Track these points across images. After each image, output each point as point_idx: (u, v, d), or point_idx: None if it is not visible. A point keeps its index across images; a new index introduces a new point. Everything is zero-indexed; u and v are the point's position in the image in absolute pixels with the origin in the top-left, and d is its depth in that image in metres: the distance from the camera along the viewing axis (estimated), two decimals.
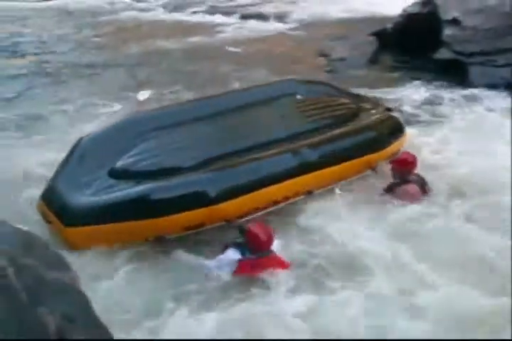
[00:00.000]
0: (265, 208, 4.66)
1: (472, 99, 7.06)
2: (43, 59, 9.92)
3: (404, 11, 9.21)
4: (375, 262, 3.93)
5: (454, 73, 7.70)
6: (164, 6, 14.35)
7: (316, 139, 5.03)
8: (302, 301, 3.60)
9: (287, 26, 11.77)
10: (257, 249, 3.94)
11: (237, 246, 4.01)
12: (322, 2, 12.67)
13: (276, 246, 4.05)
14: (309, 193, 4.86)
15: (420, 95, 7.39)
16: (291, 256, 4.07)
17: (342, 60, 9.32)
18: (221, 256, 4.00)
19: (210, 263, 4.00)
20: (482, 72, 7.58)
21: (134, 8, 14.21)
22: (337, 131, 5.18)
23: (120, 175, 4.52)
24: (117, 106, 7.22)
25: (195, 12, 13.59)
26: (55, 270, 2.21)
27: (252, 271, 3.89)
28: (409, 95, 7.40)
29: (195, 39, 10.94)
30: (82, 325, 1.93)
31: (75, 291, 2.18)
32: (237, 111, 5.20)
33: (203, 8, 14.00)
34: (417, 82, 7.83)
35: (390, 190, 4.77)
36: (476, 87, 7.34)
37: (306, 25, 11.70)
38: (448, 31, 8.27)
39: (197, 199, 4.36)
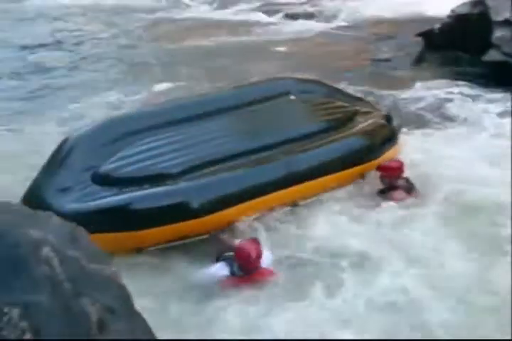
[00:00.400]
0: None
1: None
2: (83, 53, 10.21)
3: (452, 11, 9.01)
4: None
5: (503, 77, 7.49)
6: (209, 4, 14.43)
7: (304, 148, 4.79)
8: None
9: (332, 26, 11.68)
10: (245, 267, 3.96)
11: (227, 260, 4.02)
12: (369, 2, 12.51)
13: (266, 259, 4.06)
14: (295, 205, 4.70)
15: (461, 99, 7.17)
16: (280, 263, 4.11)
17: (387, 60, 9.21)
18: (210, 270, 4.03)
19: (198, 273, 4.05)
20: None
21: (177, 6, 14.34)
22: (327, 139, 4.92)
23: (103, 180, 4.33)
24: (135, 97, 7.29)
25: (239, 10, 13.61)
26: (97, 262, 2.26)
27: (238, 285, 3.93)
28: (449, 98, 7.21)
29: (236, 37, 10.98)
30: (122, 317, 1.97)
31: (116, 284, 2.21)
32: (226, 113, 4.96)
33: (248, 6, 13.99)
34: (461, 85, 7.64)
35: (379, 195, 4.92)
36: None
37: (351, 24, 11.60)
38: (498, 33, 8.04)
39: (180, 212, 4.20)
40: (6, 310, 1.66)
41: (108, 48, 10.67)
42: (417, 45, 9.38)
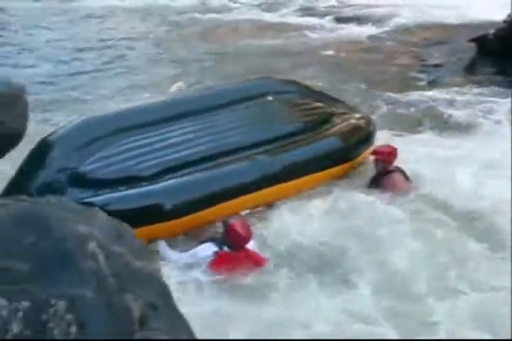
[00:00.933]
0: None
1: None
2: (121, 53, 10.43)
3: (509, 16, 8.76)
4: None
5: None
6: (258, 6, 14.49)
7: (279, 149, 4.81)
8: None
9: (384, 30, 11.53)
10: (234, 243, 3.96)
11: (214, 241, 4.04)
12: (422, 6, 12.31)
13: (251, 246, 4.09)
14: (270, 205, 4.70)
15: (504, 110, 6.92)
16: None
17: (438, 65, 9.03)
18: (197, 249, 4.02)
19: (185, 255, 4.03)
20: None
21: (225, 8, 14.48)
22: (303, 141, 4.95)
23: (78, 183, 4.30)
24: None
25: (288, 13, 13.61)
26: (140, 259, 2.29)
27: (228, 263, 3.90)
28: (493, 108, 6.99)
29: (283, 40, 11.00)
30: (163, 314, 1.99)
31: (158, 281, 2.24)
32: (204, 114, 4.93)
33: (298, 9, 13.97)
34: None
35: (375, 181, 4.96)
36: None
37: (403, 29, 11.43)
38: None
39: (153, 214, 4.21)
40: (52, 302, 1.70)
41: (159, 49, 10.87)
42: (469, 50, 9.16)
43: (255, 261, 3.99)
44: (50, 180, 4.33)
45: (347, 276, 3.90)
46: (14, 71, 9.08)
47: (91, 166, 4.40)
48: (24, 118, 4.65)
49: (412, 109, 7.09)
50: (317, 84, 7.94)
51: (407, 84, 8.04)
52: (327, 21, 12.54)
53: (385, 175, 4.93)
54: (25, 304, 1.68)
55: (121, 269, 2.00)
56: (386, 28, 11.59)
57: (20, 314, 1.65)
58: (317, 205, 4.66)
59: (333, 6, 13.60)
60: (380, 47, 10.37)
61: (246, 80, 5.79)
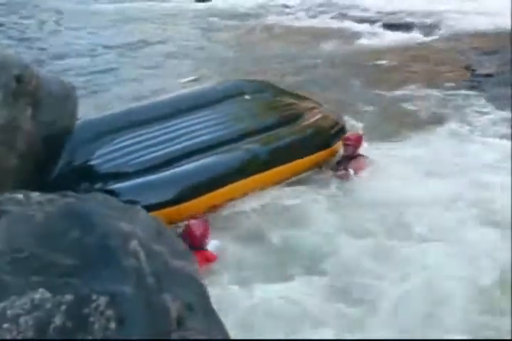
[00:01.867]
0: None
1: None
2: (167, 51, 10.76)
3: None
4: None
5: None
6: (306, 11, 14.48)
7: (263, 140, 5.26)
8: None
9: (432, 38, 11.34)
10: (190, 243, 4.02)
11: None
12: (472, 13, 12.04)
13: (212, 245, 4.28)
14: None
15: None
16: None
17: (488, 76, 8.79)
18: None
19: None
20: None
21: (274, 12, 14.55)
22: (280, 134, 5.38)
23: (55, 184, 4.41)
24: None
25: (336, 18, 13.55)
26: (180, 259, 2.31)
27: None
28: None
29: (329, 45, 10.99)
30: (200, 314, 2.00)
31: (196, 282, 2.26)
32: (188, 113, 5.35)
33: (346, 14, 13.88)
34: None
35: (341, 163, 5.60)
36: None
37: (452, 37, 11.19)
38: None
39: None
40: (94, 297, 1.74)
41: (204, 51, 11.02)
42: None
43: (205, 260, 4.18)
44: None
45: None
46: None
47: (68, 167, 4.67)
48: (73, 117, 4.83)
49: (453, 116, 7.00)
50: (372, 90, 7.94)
51: (456, 95, 7.87)
52: (377, 27, 12.43)
53: (352, 159, 5.56)
54: (68, 297, 1.72)
55: (161, 268, 2.03)
56: (435, 36, 11.39)
57: (63, 307, 1.70)
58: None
59: (383, 13, 13.43)
60: (428, 55, 10.17)
61: (222, 82, 6.36)
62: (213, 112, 5.50)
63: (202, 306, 2.10)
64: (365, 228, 4.53)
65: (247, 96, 5.80)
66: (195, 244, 4.13)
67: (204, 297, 2.18)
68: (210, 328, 1.99)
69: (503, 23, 11.43)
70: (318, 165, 5.62)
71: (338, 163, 5.68)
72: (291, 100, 5.96)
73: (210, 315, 2.11)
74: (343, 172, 5.46)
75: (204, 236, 4.25)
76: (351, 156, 5.61)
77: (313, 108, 5.98)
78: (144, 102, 5.92)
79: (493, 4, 12.63)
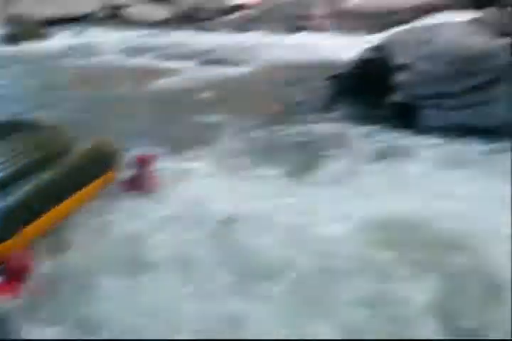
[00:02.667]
0: None
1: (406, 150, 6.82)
2: None
3: (357, 56, 9.34)
4: None
5: (406, 118, 7.73)
6: (122, 52, 14.36)
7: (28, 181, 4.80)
8: None
9: (244, 70, 11.83)
10: (8, 275, 4.00)
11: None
12: (277, 47, 12.86)
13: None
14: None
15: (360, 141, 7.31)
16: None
17: (298, 104, 9.34)
18: None
19: None
20: (434, 115, 7.65)
21: (89, 52, 14.21)
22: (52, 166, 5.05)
23: None
24: None
25: (154, 57, 13.60)
26: None
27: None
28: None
29: (150, 84, 10.96)
30: None
31: None
32: None
33: (163, 54, 14.03)
34: (365, 128, 7.79)
35: (128, 183, 5.71)
36: (427, 131, 7.36)
37: (263, 69, 11.79)
38: (400, 76, 8.35)
39: None
40: None
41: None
42: (326, 88, 9.58)
43: (10, 291, 4.00)
44: None
45: None
46: None
47: None
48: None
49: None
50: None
51: (269, 121, 8.23)
52: (192, 64, 12.73)
53: (141, 177, 5.71)
54: None
55: None
56: (247, 68, 11.91)
57: None
58: None
59: (196, 51, 13.82)
60: (241, 86, 10.60)
61: None
62: None
63: None
64: None
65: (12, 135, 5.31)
66: (13, 276, 4.00)
67: None
68: None
69: (307, 55, 12.44)
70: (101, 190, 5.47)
71: (125, 182, 5.74)
72: (55, 135, 5.62)
73: None
74: (133, 191, 5.54)
75: (23, 271, 4.04)
76: (140, 175, 5.73)
77: (78, 140, 5.65)
78: None
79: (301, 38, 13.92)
